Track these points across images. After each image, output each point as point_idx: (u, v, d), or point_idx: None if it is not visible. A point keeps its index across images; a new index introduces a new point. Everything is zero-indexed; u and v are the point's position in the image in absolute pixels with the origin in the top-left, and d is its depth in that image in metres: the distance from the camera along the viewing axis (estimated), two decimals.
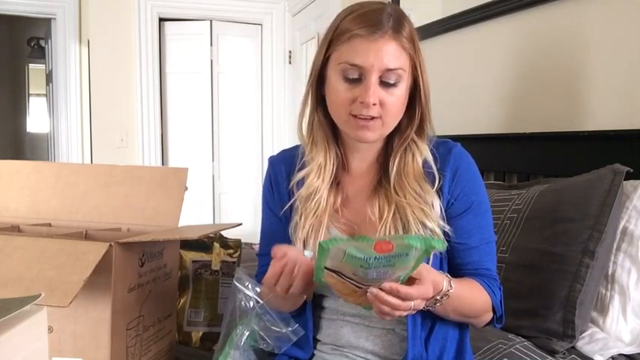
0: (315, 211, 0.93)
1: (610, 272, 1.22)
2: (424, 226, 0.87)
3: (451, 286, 0.81)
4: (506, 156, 1.71)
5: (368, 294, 0.74)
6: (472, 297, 0.88)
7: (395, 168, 0.92)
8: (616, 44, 1.45)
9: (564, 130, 1.58)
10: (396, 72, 0.85)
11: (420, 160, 0.91)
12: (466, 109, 2.01)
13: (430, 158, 0.91)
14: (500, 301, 0.92)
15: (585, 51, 1.53)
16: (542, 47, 1.69)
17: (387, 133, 0.91)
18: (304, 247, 0.94)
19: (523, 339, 1.16)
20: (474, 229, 0.91)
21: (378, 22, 0.84)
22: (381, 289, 0.72)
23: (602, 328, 1.20)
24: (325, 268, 0.74)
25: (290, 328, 0.81)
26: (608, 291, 1.22)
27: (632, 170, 1.22)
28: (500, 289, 0.92)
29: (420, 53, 0.89)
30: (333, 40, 0.88)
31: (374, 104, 0.85)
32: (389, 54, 0.84)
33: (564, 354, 1.14)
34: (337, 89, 0.87)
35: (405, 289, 0.72)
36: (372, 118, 0.86)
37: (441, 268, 0.89)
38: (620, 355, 1.13)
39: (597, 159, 1.31)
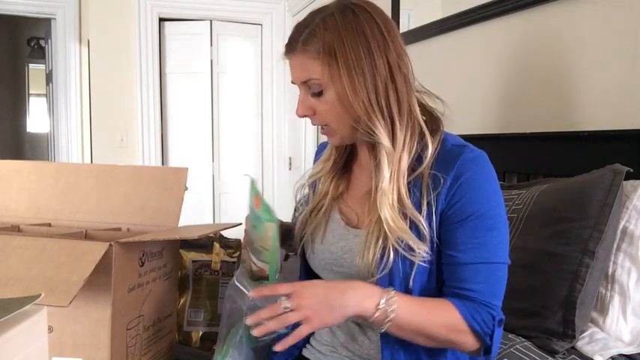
0: (318, 195, 1.00)
1: (610, 272, 1.22)
2: (402, 241, 0.83)
3: (390, 294, 0.79)
4: (506, 156, 1.71)
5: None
6: (427, 312, 0.81)
7: (375, 185, 0.87)
8: (616, 44, 1.44)
9: (564, 130, 1.58)
10: (310, 83, 0.87)
11: (403, 172, 0.85)
12: (466, 109, 2.01)
13: (428, 159, 0.85)
14: (491, 333, 0.82)
15: (585, 51, 1.53)
16: (542, 47, 1.69)
17: (348, 136, 0.91)
18: (304, 227, 1.01)
19: (523, 339, 1.16)
20: (469, 244, 0.83)
21: (291, 38, 0.89)
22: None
23: (602, 328, 1.20)
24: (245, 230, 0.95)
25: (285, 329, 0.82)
26: (608, 291, 1.22)
27: (632, 170, 1.22)
28: (494, 318, 0.82)
29: (347, 57, 0.83)
30: None
31: (305, 115, 0.90)
32: (298, 68, 0.88)
33: (564, 354, 1.13)
34: None
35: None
36: (324, 125, 0.91)
37: (428, 282, 0.85)
38: (620, 355, 1.13)
39: (597, 159, 1.31)
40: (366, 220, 0.90)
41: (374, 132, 0.85)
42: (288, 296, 0.78)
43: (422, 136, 0.88)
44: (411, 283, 0.83)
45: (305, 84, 0.88)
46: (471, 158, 0.85)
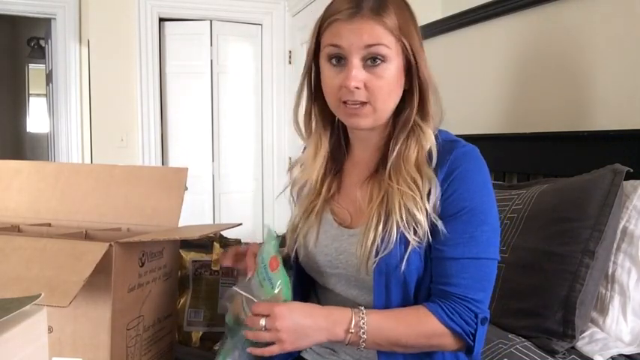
0: (308, 197, 0.97)
1: (610, 272, 1.22)
2: (409, 212, 0.83)
3: (360, 315, 0.81)
4: (506, 156, 1.71)
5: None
6: (400, 324, 0.82)
7: (395, 152, 0.87)
8: (617, 44, 1.44)
9: (564, 130, 1.58)
10: (377, 49, 0.82)
11: (426, 146, 0.87)
12: (466, 109, 2.01)
13: (434, 149, 0.87)
14: (474, 332, 0.82)
15: (586, 51, 1.53)
16: (542, 47, 1.69)
17: (383, 119, 0.88)
18: (296, 230, 0.98)
19: (523, 339, 1.16)
20: (459, 239, 0.82)
21: (357, 4, 0.83)
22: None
23: (602, 328, 1.20)
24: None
25: None
26: (608, 291, 1.22)
27: (632, 170, 1.22)
28: (477, 316, 0.82)
29: (414, 35, 0.86)
30: (321, 27, 0.88)
31: (357, 88, 0.83)
32: (367, 32, 0.82)
33: (564, 354, 1.13)
34: (326, 76, 0.88)
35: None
36: (362, 103, 0.84)
37: (425, 270, 0.85)
38: (620, 355, 1.13)
39: (597, 159, 1.31)
40: (375, 201, 0.87)
41: (429, 108, 0.88)
42: (266, 316, 0.81)
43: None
44: (403, 266, 0.83)
45: (368, 48, 0.82)
46: (462, 153, 0.85)
